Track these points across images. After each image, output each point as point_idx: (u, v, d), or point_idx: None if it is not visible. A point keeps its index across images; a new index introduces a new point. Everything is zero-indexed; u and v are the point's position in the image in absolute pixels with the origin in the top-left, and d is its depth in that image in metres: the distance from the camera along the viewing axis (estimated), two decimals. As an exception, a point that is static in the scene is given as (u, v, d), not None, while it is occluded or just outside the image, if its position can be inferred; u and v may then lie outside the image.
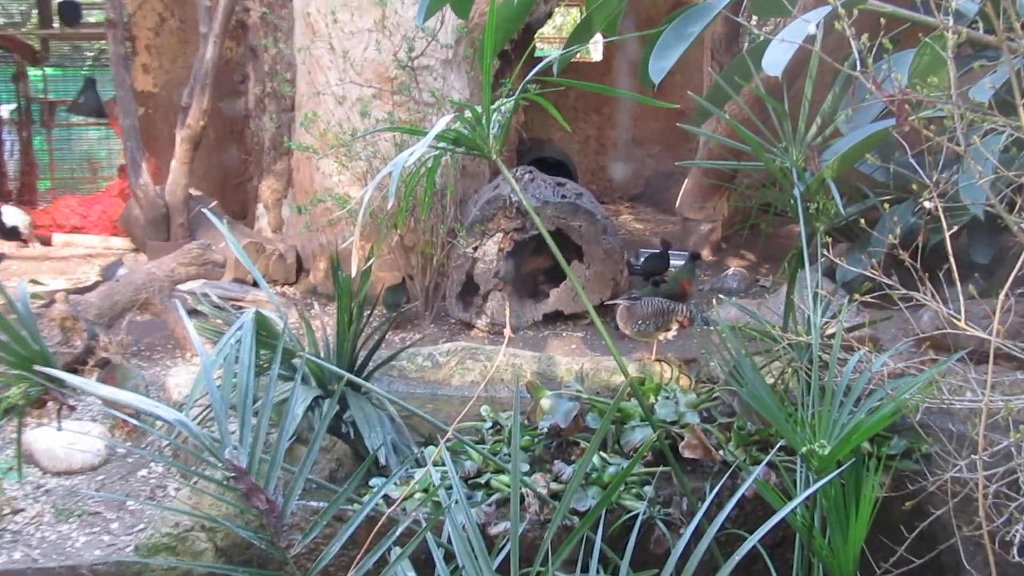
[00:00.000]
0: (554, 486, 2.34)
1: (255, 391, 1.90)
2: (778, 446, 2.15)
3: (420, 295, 5.45)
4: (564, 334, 5.21)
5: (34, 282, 6.08)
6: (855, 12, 1.86)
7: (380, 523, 1.89)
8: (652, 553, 2.21)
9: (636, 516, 2.14)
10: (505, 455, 2.61)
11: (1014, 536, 1.73)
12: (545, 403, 2.75)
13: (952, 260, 1.85)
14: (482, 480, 2.42)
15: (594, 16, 2.61)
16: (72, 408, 3.76)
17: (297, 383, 2.03)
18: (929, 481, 2.05)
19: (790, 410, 2.10)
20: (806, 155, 2.41)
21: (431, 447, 2.71)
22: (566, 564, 1.83)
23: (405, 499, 2.19)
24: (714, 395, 2.84)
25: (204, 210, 3.02)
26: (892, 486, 2.23)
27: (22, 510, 3.06)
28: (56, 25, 9.92)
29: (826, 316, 2.47)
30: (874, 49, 1.84)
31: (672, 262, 6.18)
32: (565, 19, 15.95)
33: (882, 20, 1.96)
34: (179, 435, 2.17)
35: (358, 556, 1.78)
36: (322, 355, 2.87)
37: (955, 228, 1.91)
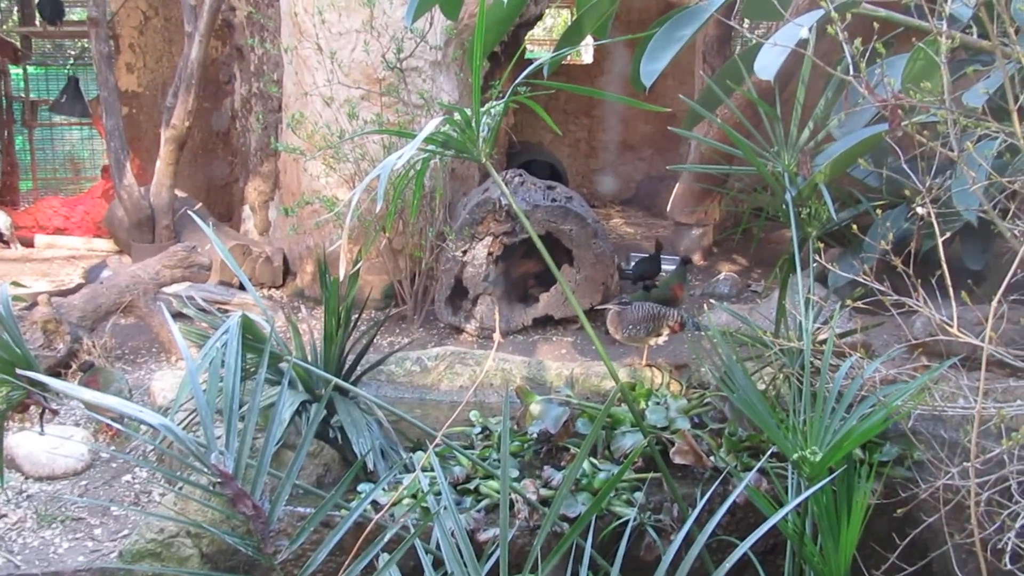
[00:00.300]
0: (544, 492, 2.34)
1: (241, 396, 1.89)
2: (769, 452, 2.16)
3: (409, 299, 5.44)
4: (554, 339, 5.22)
5: (16, 284, 6.04)
6: (848, 16, 1.87)
7: (368, 529, 1.89)
8: (642, 560, 2.21)
9: (626, 522, 2.14)
10: (494, 461, 2.61)
11: (1006, 544, 1.74)
12: (535, 408, 2.76)
13: (945, 266, 1.86)
14: (471, 486, 2.42)
15: (584, 18, 2.62)
16: (55, 412, 3.74)
17: (284, 387, 2.03)
18: (921, 488, 2.06)
19: (781, 416, 2.11)
20: (798, 160, 2.42)
21: (420, 452, 2.70)
22: (556, 570, 1.84)
23: (393, 505, 2.19)
24: (705, 401, 2.84)
25: (189, 212, 3.02)
26: (884, 493, 2.24)
27: (4, 516, 3.04)
28: (38, 23, 9.87)
29: (818, 322, 2.48)
30: (867, 53, 1.86)
31: (663, 266, 6.20)
32: (555, 21, 15.98)
33: (875, 24, 1.98)
34: (164, 440, 2.17)
35: (346, 562, 1.78)
36: (309, 359, 2.86)
37: (948, 234, 1.93)
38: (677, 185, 7.30)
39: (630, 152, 10.77)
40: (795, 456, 1.87)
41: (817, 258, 2.31)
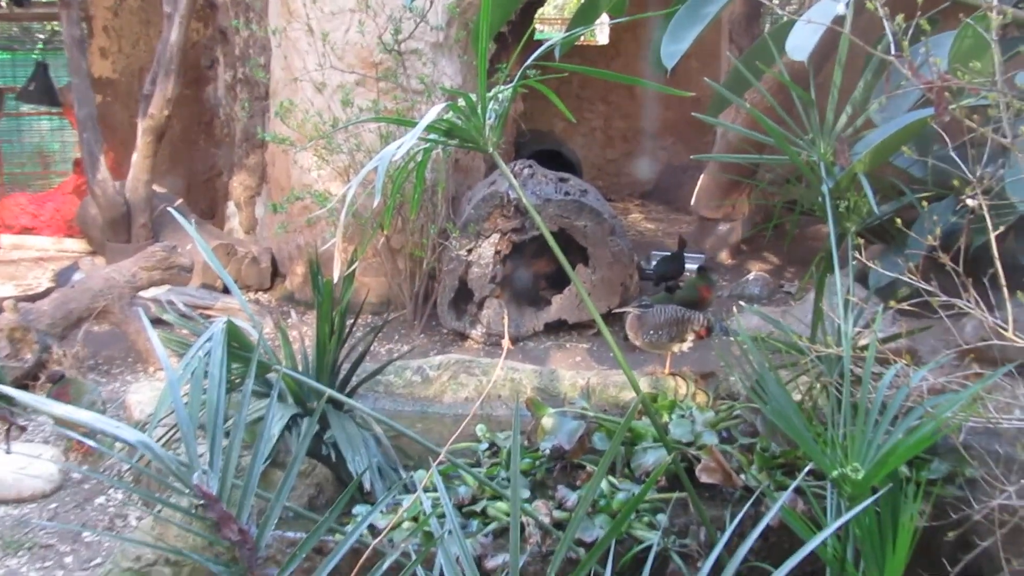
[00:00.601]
0: (557, 514, 2.33)
1: (226, 409, 1.89)
2: (806, 470, 2.15)
3: (408, 302, 5.45)
4: (568, 345, 5.21)
5: (-20, 289, 6.07)
6: (889, -10, 1.86)
7: (365, 556, 1.88)
8: (667, 588, 2.20)
9: (649, 548, 2.13)
10: (503, 480, 2.60)
11: (1068, 569, 1.73)
12: (547, 422, 2.75)
13: (998, 263, 1.85)
14: (478, 508, 2.41)
15: (601, -6, 2.62)
16: (22, 429, 3.77)
17: (273, 400, 2.03)
18: (974, 509, 2.05)
19: (819, 430, 2.10)
20: (835, 148, 2.41)
21: (421, 471, 2.70)
22: (571, 601, 1.83)
23: (392, 529, 2.18)
24: (734, 413, 2.84)
25: (169, 208, 3.03)
26: (933, 514, 2.23)
27: (-34, 542, 3.05)
28: (3, 4, 9.91)
29: (858, 325, 2.47)
30: (910, 31, 1.85)
31: (688, 265, 6.19)
32: (568, -2, 16.00)
33: (919, -1, 1.97)
34: (141, 458, 2.17)
35: (341, 592, 1.78)
36: (300, 369, 2.87)
37: (1001, 228, 1.91)
38: (702, 177, 7.29)
39: (650, 141, 10.75)
40: (835, 474, 1.86)
41: (857, 255, 2.30)
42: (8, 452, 3.43)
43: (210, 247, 2.35)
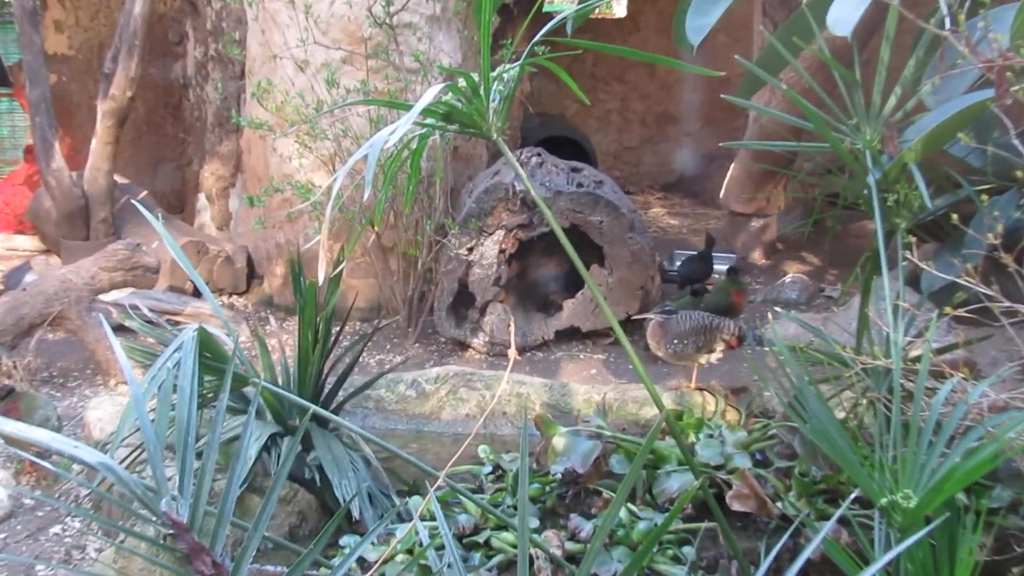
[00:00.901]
0: (570, 546, 2.33)
1: (198, 427, 1.90)
2: (851, 497, 2.15)
3: (402, 308, 5.45)
4: (582, 356, 5.22)
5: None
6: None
7: (354, 593, 1.88)
8: (693, 630, 2.21)
9: (673, 584, 2.13)
10: (509, 507, 2.61)
11: None
12: (559, 442, 2.76)
13: (1068, 264, 1.85)
14: (480, 538, 2.42)
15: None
16: (-32, 449, 3.77)
17: (250, 417, 2.03)
18: (1040, 541, 2.05)
19: (865, 452, 2.10)
20: (883, 134, 2.41)
21: (417, 497, 2.71)
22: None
23: (385, 562, 2.19)
24: (770, 433, 2.84)
25: (133, 201, 3.04)
26: (995, 547, 2.23)
27: (-95, 576, 3.06)
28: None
29: (909, 334, 2.47)
30: (967, 3, 1.85)
31: (716, 266, 6.18)
32: (581, -36, 15.98)
33: (978, -34, 1.97)
34: (102, 482, 2.17)
35: (326, 634, 1.78)
36: (281, 383, 2.87)
37: (1071, 224, 1.91)
38: (732, 166, 7.29)
39: (673, 126, 10.75)
40: (883, 501, 1.86)
41: (908, 255, 2.30)
42: (-48, 475, 3.44)
43: (179, 245, 2.36)
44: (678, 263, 6.46)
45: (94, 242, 6.52)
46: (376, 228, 5.33)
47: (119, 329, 3.81)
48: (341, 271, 3.06)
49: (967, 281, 1.99)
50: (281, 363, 3.03)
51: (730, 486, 2.47)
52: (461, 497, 2.42)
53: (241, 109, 6.33)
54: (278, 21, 5.55)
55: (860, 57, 2.43)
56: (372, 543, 2.33)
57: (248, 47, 5.99)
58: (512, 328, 5.17)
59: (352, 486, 2.58)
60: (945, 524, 1.84)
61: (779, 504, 2.45)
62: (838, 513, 2.01)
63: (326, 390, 2.98)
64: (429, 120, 2.12)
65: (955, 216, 2.44)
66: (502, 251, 5.20)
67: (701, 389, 3.43)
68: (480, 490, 2.84)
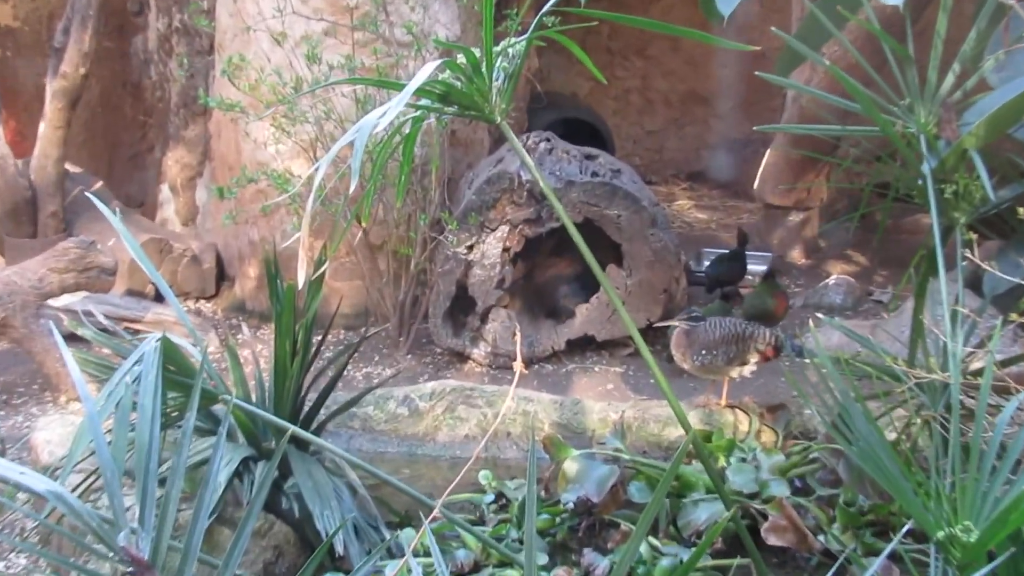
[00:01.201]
0: (584, 586, 2.34)
1: (161, 450, 1.90)
2: (903, 530, 2.15)
3: (392, 314, 5.45)
4: (597, 369, 5.22)
5: None
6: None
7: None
8: None
9: (701, 629, 2.14)
10: (514, 541, 2.61)
11: None
12: (570, 467, 2.76)
13: None
14: (482, 576, 2.42)
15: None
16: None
17: (220, 439, 2.03)
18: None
19: (920, 478, 2.10)
20: (939, 116, 2.41)
21: (409, 530, 2.71)
22: None
23: (372, 604, 2.19)
24: (811, 456, 2.83)
25: (87, 193, 3.04)
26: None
27: None
28: None
29: (970, 344, 2.47)
30: (1037, -34, 1.85)
31: (751, 267, 6.18)
32: (596, -77, 16.00)
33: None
34: (52, 512, 2.18)
35: None
36: (255, 399, 2.88)
37: None
38: (768, 153, 7.28)
39: (701, 107, 10.75)
40: (940, 535, 1.85)
41: (968, 254, 2.30)
42: None
43: (138, 242, 2.37)
44: (706, 263, 6.45)
45: (42, 240, 6.52)
46: (363, 224, 5.33)
47: (71, 338, 3.81)
48: (323, 272, 3.06)
49: (1035, 284, 1.99)
50: (255, 377, 3.03)
51: (766, 517, 2.47)
52: (460, 530, 2.42)
53: (209, 88, 6.33)
54: (252, -12, 5.55)
55: (913, 29, 2.43)
56: (359, 582, 2.32)
57: (217, 18, 6.00)
58: (517, 337, 5.17)
59: (336, 517, 2.58)
60: (1010, 561, 1.84)
61: (821, 538, 2.45)
62: (889, 548, 2.02)
63: (306, 408, 2.98)
64: (424, 101, 2.12)
65: (1022, 210, 2.43)
66: (506, 249, 5.20)
67: (732, 407, 3.42)
68: (481, 522, 2.84)
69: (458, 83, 2.08)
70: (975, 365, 2.47)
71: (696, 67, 10.62)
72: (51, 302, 5.01)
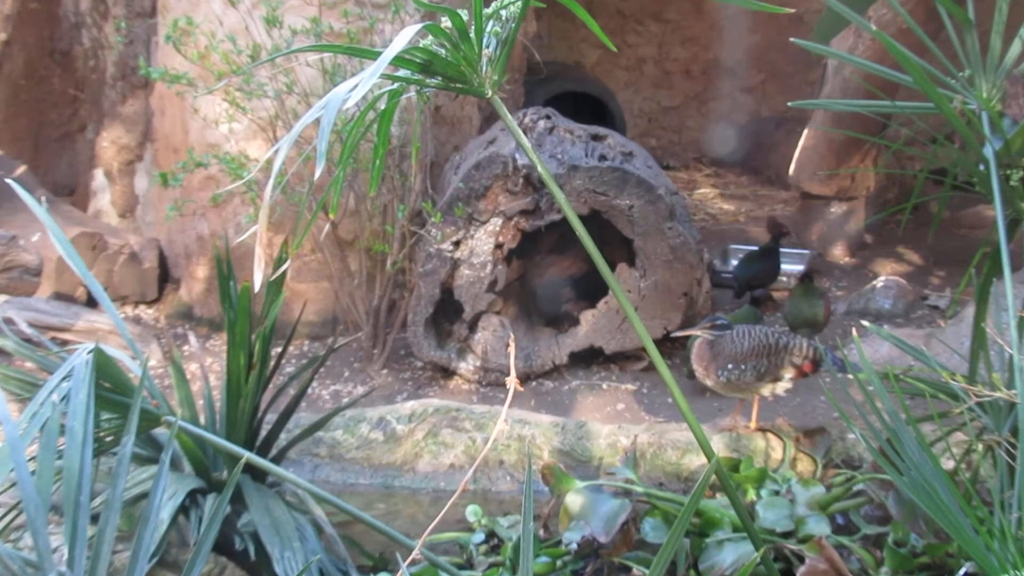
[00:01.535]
0: (589, 640, 2.34)
1: (94, 481, 1.90)
2: (962, 573, 2.15)
3: (365, 321, 5.45)
4: (605, 386, 5.22)
5: None
6: None
7: None
8: None
9: None
10: (507, 588, 2.61)
11: None
12: (574, 501, 2.76)
13: None
14: (470, 630, 2.42)
15: None
16: None
17: (163, 468, 2.04)
18: None
19: (982, 513, 2.10)
20: (1004, 90, 2.42)
21: (385, 574, 2.71)
22: None
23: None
24: (855, 488, 2.84)
25: (7, 180, 3.04)
26: None
27: None
28: None
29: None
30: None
31: (786, 266, 6.18)
32: None
33: None
34: (-34, 554, 2.18)
35: None
36: (204, 422, 2.88)
37: None
38: (805, 133, 7.30)
39: (728, 79, 10.76)
40: (1005, 579, 1.86)
41: (1038, 252, 2.31)
42: None
43: (68, 237, 2.36)
44: (734, 262, 6.46)
45: (-45, 234, 6.53)
46: (331, 216, 5.33)
47: (-12, 350, 3.83)
48: (285, 273, 3.06)
49: (1117, 286, 2.00)
50: (204, 396, 3.03)
51: (802, 559, 2.47)
52: (443, 574, 2.42)
53: (151, 57, 6.33)
54: (201, -60, 5.56)
55: (974, -11, 2.44)
56: (325, 635, 2.33)
57: (161, -26, 6.01)
58: (512, 349, 5.16)
59: (298, 559, 2.58)
60: (1087, 610, 1.84)
61: (867, 583, 2.46)
62: (946, 595, 2.02)
63: (264, 432, 2.99)
64: (402, 72, 2.12)
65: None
66: (499, 246, 5.20)
67: (764, 430, 3.43)
68: (469, 565, 2.84)
69: (442, 50, 2.08)
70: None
71: (721, 33, 10.63)
72: (-35, 307, 5.01)
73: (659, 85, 10.90)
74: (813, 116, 7.28)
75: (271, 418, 3.02)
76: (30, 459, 1.85)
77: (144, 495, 2.60)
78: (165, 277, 6.47)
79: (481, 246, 5.19)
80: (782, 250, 6.19)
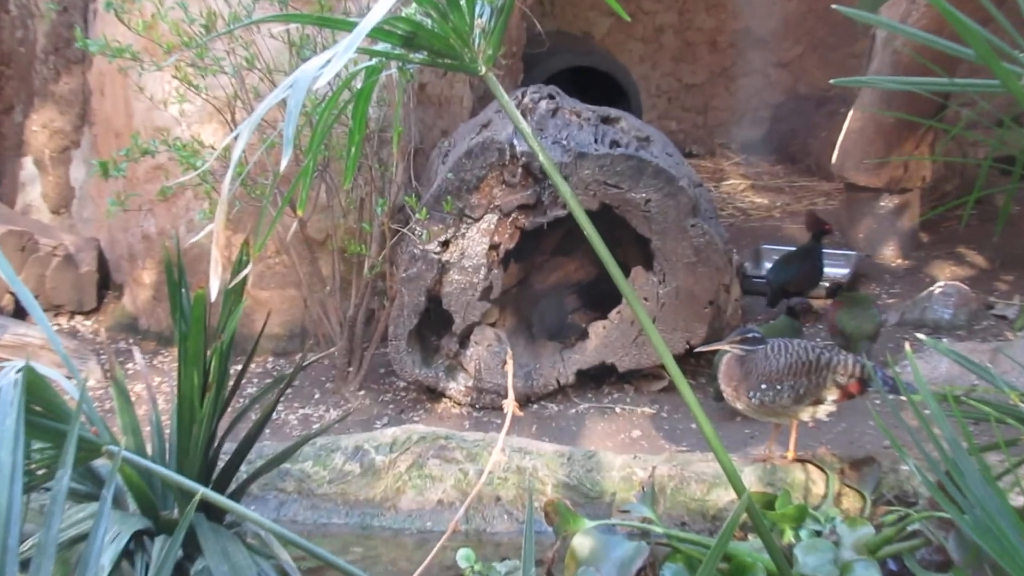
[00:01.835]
0: None
1: (24, 520, 1.90)
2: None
3: (339, 334, 5.45)
4: (618, 409, 5.22)
5: None
6: None
7: None
8: None
9: None
10: (505, 645, 2.61)
11: None
12: (582, 544, 2.76)
13: None
14: None
15: None
16: None
17: (104, 506, 2.04)
18: None
19: (1057, 557, 2.10)
20: (1082, 66, 2.42)
21: (362, 630, 2.71)
22: None
23: None
24: (910, 529, 2.84)
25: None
26: None
27: None
28: None
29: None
30: None
31: (829, 270, 6.18)
32: None
33: None
34: None
35: None
36: (152, 451, 2.88)
37: None
38: (850, 115, 7.31)
39: (758, 52, 10.77)
40: (1084, 634, 1.86)
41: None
42: None
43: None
44: (768, 265, 6.46)
45: None
46: (299, 212, 5.34)
47: (-100, 369, 3.83)
48: (246, 278, 3.07)
49: None
50: (152, 421, 3.03)
51: (848, 611, 2.48)
52: (431, 629, 2.43)
53: (89, 28, 6.34)
54: None
55: (1046, -52, 2.45)
56: None
57: (100, -69, 6.02)
58: (509, 366, 5.17)
59: (261, 612, 2.59)
60: None
61: (924, 639, 2.46)
62: (1015, 653, 2.03)
63: (221, 463, 2.99)
64: (382, 46, 2.13)
65: None
66: (494, 247, 5.20)
67: (803, 461, 3.43)
68: (461, 618, 2.85)
69: (428, 20, 2.08)
70: None
71: (752, 2, 10.64)
72: None
73: (680, 59, 10.90)
74: (859, 95, 7.29)
75: (230, 447, 3.02)
76: (-51, 496, 1.85)
77: (83, 537, 2.60)
78: (106, 283, 6.47)
79: (473, 247, 5.19)
80: (824, 251, 6.19)
